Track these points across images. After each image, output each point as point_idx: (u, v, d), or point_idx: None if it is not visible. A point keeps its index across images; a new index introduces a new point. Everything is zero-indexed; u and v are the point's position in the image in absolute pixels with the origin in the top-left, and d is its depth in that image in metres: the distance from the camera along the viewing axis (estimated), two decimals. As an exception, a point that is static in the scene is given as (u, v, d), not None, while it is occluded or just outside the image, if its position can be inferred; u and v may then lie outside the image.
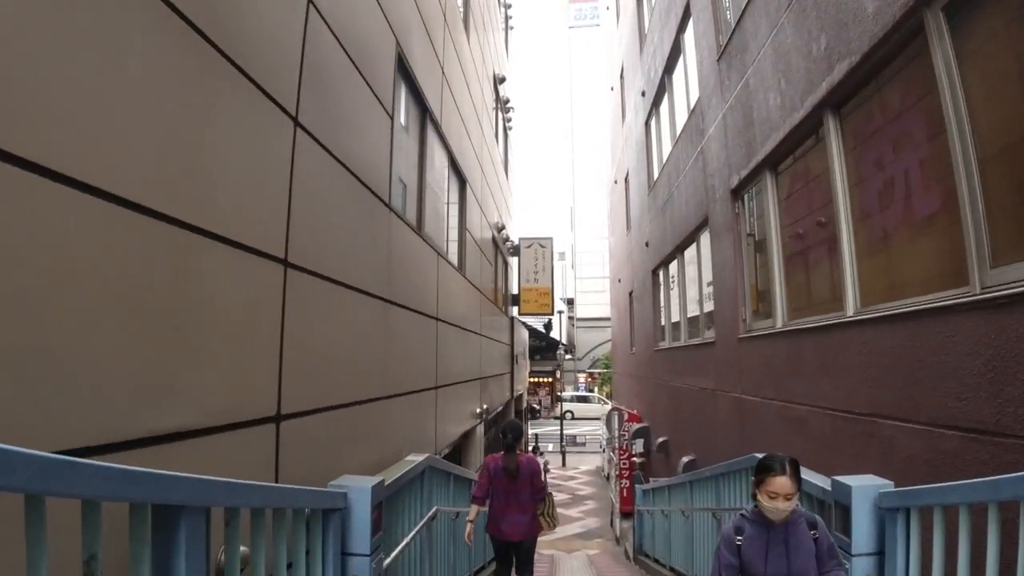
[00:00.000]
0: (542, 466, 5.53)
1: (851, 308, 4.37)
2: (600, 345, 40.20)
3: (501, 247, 13.09)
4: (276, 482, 2.56)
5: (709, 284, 8.58)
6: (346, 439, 3.39)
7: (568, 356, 38.91)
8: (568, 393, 34.88)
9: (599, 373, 39.71)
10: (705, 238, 8.49)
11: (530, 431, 24.34)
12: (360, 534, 2.64)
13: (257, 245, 2.46)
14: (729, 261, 7.11)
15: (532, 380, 38.58)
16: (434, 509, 4.16)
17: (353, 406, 3.51)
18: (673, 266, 10.87)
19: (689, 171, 9.07)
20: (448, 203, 7.16)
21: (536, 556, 8.77)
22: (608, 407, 20.77)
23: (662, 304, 11.91)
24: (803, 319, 5.23)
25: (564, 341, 28.90)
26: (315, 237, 3.02)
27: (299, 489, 2.23)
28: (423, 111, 5.73)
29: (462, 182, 8.00)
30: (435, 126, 6.13)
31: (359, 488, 2.67)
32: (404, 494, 3.64)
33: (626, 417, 13.02)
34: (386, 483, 3.12)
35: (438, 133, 6.32)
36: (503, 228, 12.28)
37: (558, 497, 16.35)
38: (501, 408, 13.87)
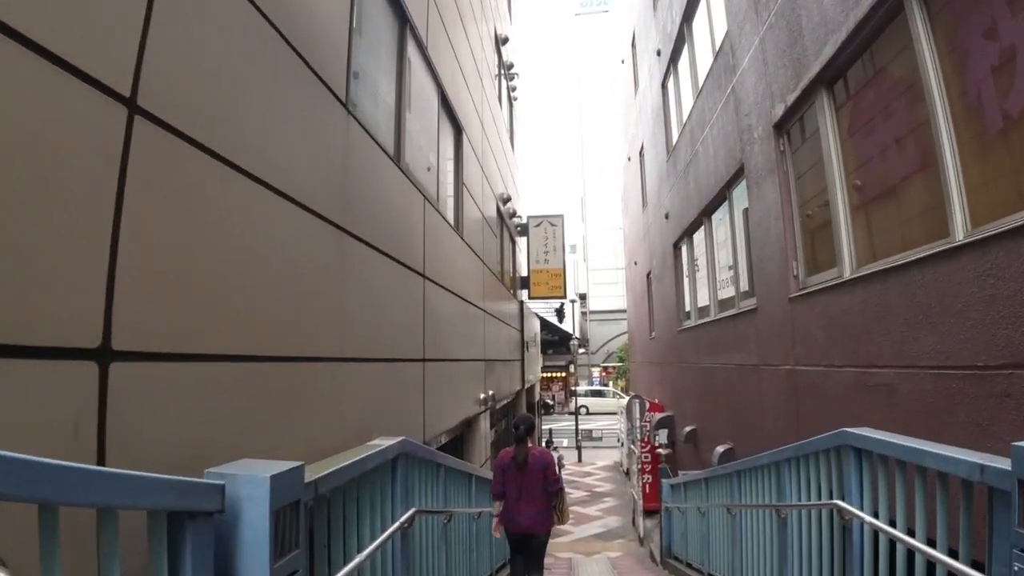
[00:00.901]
0: (556, 460, 5.31)
1: (960, 231, 3.26)
2: (615, 338, 39.05)
3: (507, 223, 12.02)
4: (101, 463, 1.50)
5: (745, 246, 7.46)
6: (263, 410, 2.33)
7: (582, 350, 37.78)
8: (583, 388, 33.75)
9: (614, 367, 38.54)
10: (739, 192, 7.37)
11: (544, 426, 23.31)
12: (252, 555, 1.58)
13: (65, 55, 1.41)
14: (773, 210, 5.99)
15: (545, 375, 37.56)
16: (411, 512, 3.09)
17: (279, 362, 2.45)
18: (698, 235, 9.74)
19: (717, 120, 7.94)
20: (440, 149, 6.09)
21: (552, 560, 7.69)
22: (624, 400, 19.63)
23: (686, 279, 10.77)
24: (882, 260, 4.11)
25: (577, 335, 27.77)
26: (196, 86, 1.95)
27: (94, 472, 1.14)
28: (402, 20, 4.66)
29: (458, 130, 6.94)
30: (418, 44, 5.06)
31: (250, 479, 1.61)
32: (363, 491, 2.57)
33: (647, 407, 11.90)
34: (322, 474, 2.06)
35: (423, 55, 5.25)
36: (509, 200, 11.21)
37: (575, 495, 15.28)
38: (511, 399, 12.81)
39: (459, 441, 7.07)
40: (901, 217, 4.07)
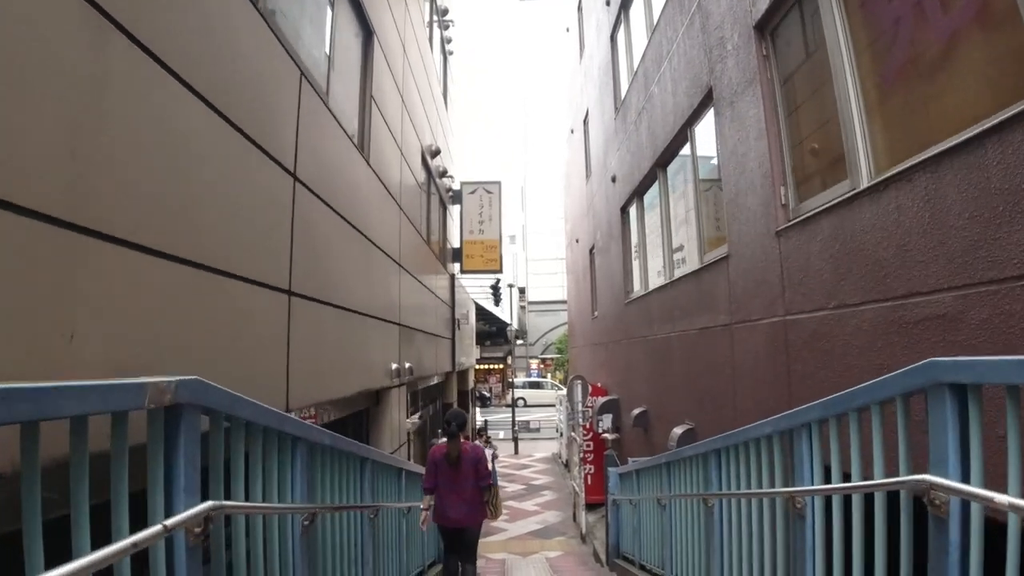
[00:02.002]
0: (489, 456, 5.48)
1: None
2: (553, 329, 38.19)
3: (436, 182, 10.60)
4: None
5: (708, 189, 6.35)
6: None
7: (520, 341, 36.70)
8: (520, 379, 32.66)
9: (552, 359, 37.67)
10: (705, 125, 6.26)
11: (480, 417, 22.03)
12: None
13: None
14: (753, 129, 4.87)
15: (482, 367, 36.30)
16: (202, 507, 1.68)
17: None
18: (651, 192, 8.62)
19: (677, 49, 6.82)
20: (337, 40, 4.65)
21: (483, 563, 6.51)
22: (563, 392, 18.56)
23: (634, 245, 9.66)
24: (922, 153, 2.98)
25: (515, 326, 26.60)
26: None
27: None
28: None
29: (367, 32, 5.50)
30: None
31: None
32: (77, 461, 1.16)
33: (590, 389, 10.76)
34: None
35: None
36: (438, 153, 9.80)
37: (510, 488, 14.01)
38: (440, 381, 11.42)
39: (362, 420, 5.66)
40: (955, 85, 2.94)
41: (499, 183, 12.83)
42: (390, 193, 6.19)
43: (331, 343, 4.05)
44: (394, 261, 6.29)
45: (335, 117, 4.24)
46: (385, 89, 6.10)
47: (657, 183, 8.08)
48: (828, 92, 3.95)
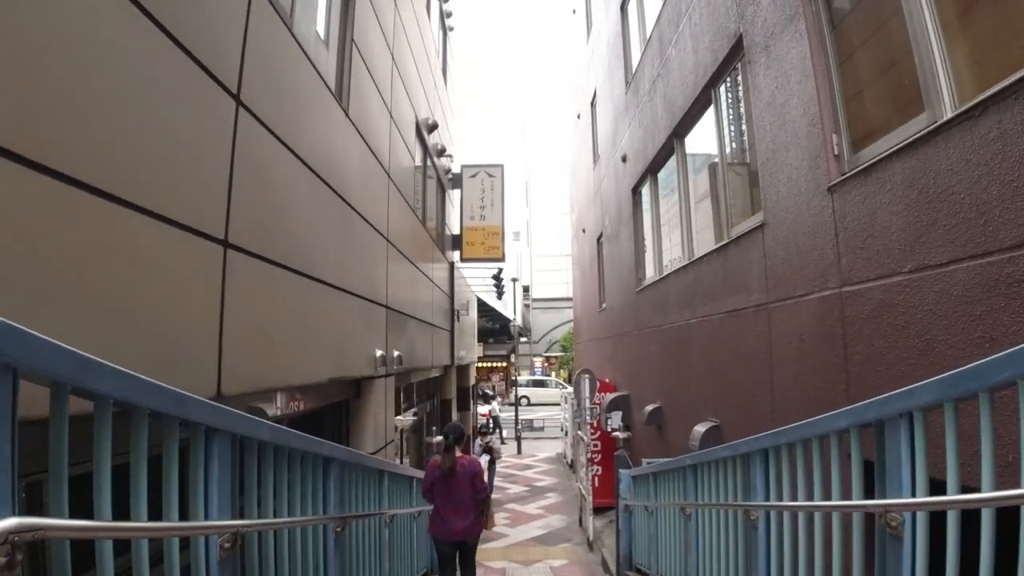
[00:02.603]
0: (484, 464, 5.98)
1: None
2: (558, 327, 37.45)
3: (434, 161, 9.89)
4: None
5: (736, 154, 5.62)
6: None
7: (523, 339, 35.97)
8: (524, 377, 31.92)
9: (556, 357, 36.91)
10: (730, 87, 5.53)
11: (482, 412, 21.31)
12: None
13: None
14: (796, 72, 4.14)
15: (485, 365, 35.58)
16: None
17: None
18: (668, 167, 7.89)
19: (698, 2, 6.09)
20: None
21: (482, 572, 6.24)
22: (567, 391, 17.80)
23: (648, 227, 8.92)
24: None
25: (518, 321, 25.85)
26: None
27: None
28: None
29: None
30: None
31: None
32: None
33: (597, 385, 10.01)
34: None
35: None
36: (435, 128, 9.07)
37: (512, 489, 13.27)
38: (438, 375, 10.71)
39: (340, 414, 4.95)
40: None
41: (501, 166, 12.09)
42: (376, 158, 5.47)
43: (291, 317, 3.33)
44: (381, 236, 5.57)
45: (300, 45, 3.52)
46: (371, 38, 5.37)
47: (674, 156, 7.34)
48: (891, 9, 3.22)
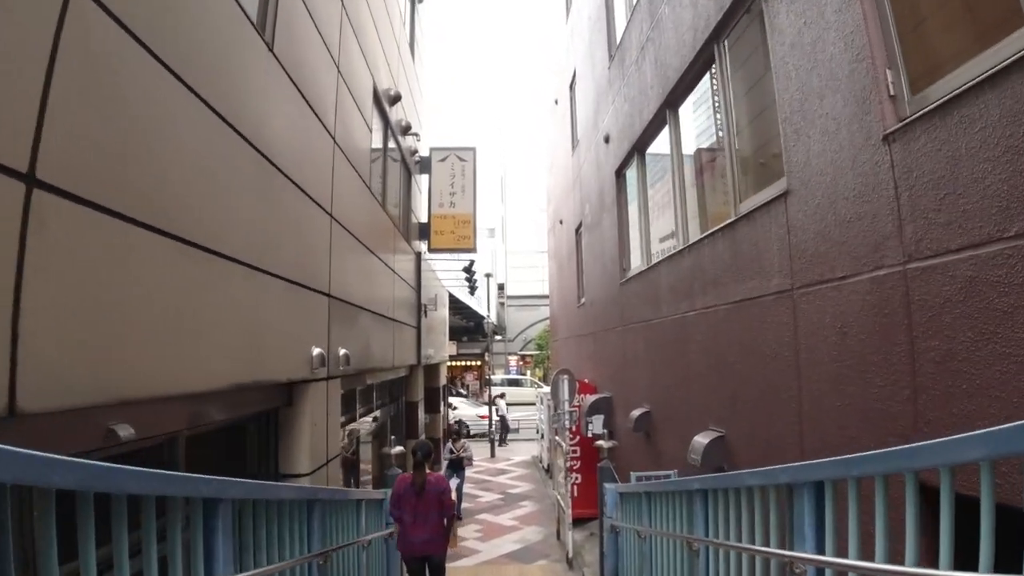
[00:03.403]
0: (452, 487, 5.85)
1: None
2: (533, 325, 36.62)
3: (398, 140, 8.92)
4: None
5: (747, 114, 4.79)
6: None
7: (498, 337, 35.05)
8: (499, 377, 31.01)
9: (532, 355, 36.09)
10: (736, 38, 4.69)
11: (452, 416, 20.38)
12: None
13: None
14: (833, 1, 3.29)
15: (459, 364, 34.58)
16: None
17: None
18: (657, 141, 7.05)
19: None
20: None
21: None
22: (543, 390, 16.94)
23: (634, 212, 8.08)
24: None
25: (492, 318, 24.88)
26: None
27: None
28: None
29: None
30: None
31: None
32: None
33: (577, 386, 9.14)
34: None
35: None
36: (398, 100, 8.09)
37: (485, 498, 12.28)
38: (403, 376, 9.75)
39: (267, 425, 3.99)
40: None
41: (473, 149, 11.16)
42: (318, 116, 4.51)
43: (165, 301, 2.38)
44: (323, 211, 4.61)
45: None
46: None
47: (667, 128, 6.49)
48: None
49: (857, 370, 3.11)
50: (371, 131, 6.68)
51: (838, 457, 2.20)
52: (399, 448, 6.31)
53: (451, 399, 20.96)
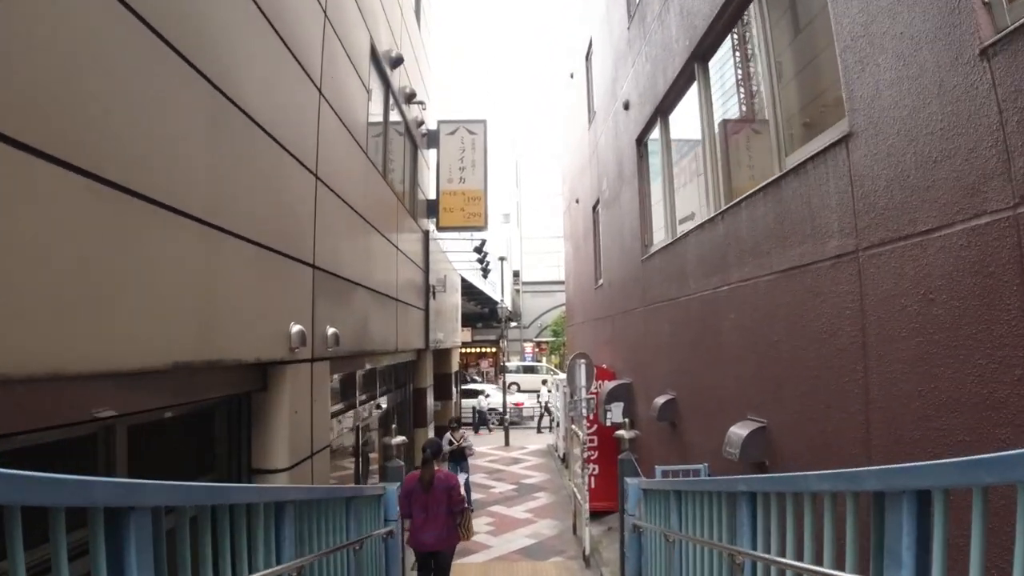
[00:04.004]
0: (461, 483, 5.65)
1: None
2: (548, 311, 36.02)
3: (402, 108, 8.33)
4: None
5: (798, 47, 4.14)
6: None
7: (513, 324, 34.52)
8: (513, 364, 30.54)
9: (547, 342, 35.53)
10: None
11: (469, 404, 19.95)
12: None
13: None
14: None
15: (474, 350, 34.15)
16: None
17: None
18: (685, 102, 6.40)
19: None
20: None
21: None
22: (558, 377, 16.36)
23: (657, 183, 7.43)
24: None
25: (506, 303, 24.30)
26: None
27: None
28: None
29: None
30: None
31: None
32: None
33: (595, 371, 8.54)
34: None
35: None
36: (400, 63, 7.49)
37: (498, 488, 11.77)
38: (410, 360, 9.25)
39: (237, 413, 3.47)
40: None
41: (484, 122, 10.53)
42: (299, 62, 3.94)
43: (70, 251, 1.83)
44: (304, 168, 4.05)
45: None
46: None
47: (695, 84, 5.83)
48: None
49: (948, 346, 2.49)
50: (368, 93, 6.10)
51: (957, 459, 1.59)
52: (401, 438, 5.79)
53: (483, 386, 20.43)
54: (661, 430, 6.67)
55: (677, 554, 3.95)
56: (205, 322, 2.68)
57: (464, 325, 29.49)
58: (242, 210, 3.07)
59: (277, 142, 3.57)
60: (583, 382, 7.73)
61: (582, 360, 7.76)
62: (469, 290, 21.66)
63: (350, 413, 6.24)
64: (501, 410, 19.52)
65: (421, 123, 9.45)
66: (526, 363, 32.97)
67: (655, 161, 7.46)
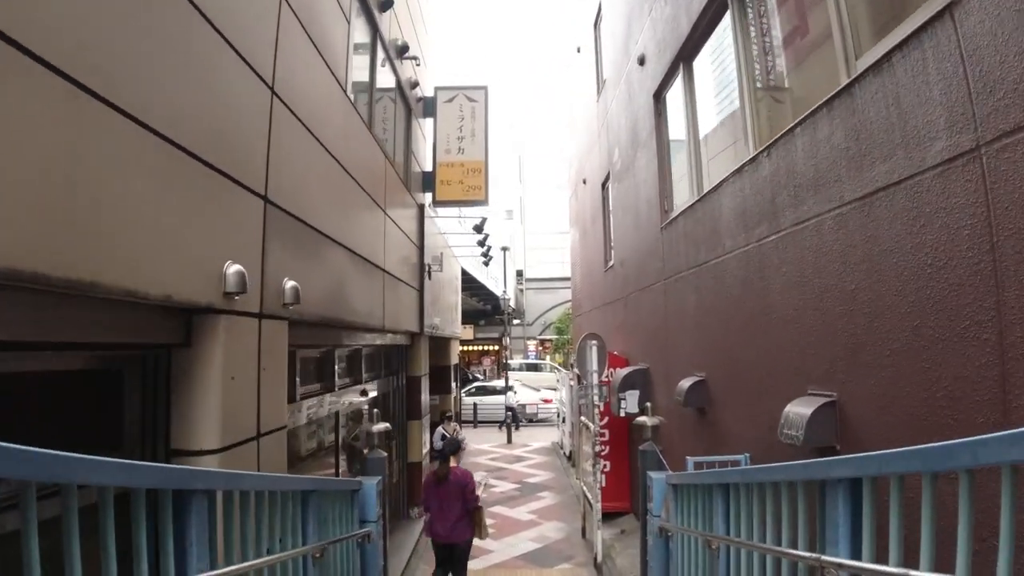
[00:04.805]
0: (478, 480, 6.33)
1: None
2: (553, 308, 35.17)
3: (394, 64, 7.51)
4: None
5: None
6: None
7: (517, 321, 33.66)
8: (516, 361, 29.69)
9: (551, 340, 34.67)
10: None
11: (468, 400, 19.14)
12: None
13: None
14: None
15: (476, 348, 33.34)
16: None
17: None
18: (713, 40, 5.55)
19: None
20: None
21: None
22: (562, 374, 15.53)
23: (680, 139, 6.58)
24: None
25: (509, 296, 23.35)
26: None
27: None
28: None
29: None
30: None
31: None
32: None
33: (607, 356, 7.67)
34: None
35: None
36: (389, 5, 6.65)
37: (500, 488, 10.71)
38: (404, 344, 8.43)
39: (153, 374, 2.64)
40: None
41: (485, 88, 9.68)
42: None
43: None
44: (255, 73, 3.21)
45: None
46: None
47: (729, 12, 4.97)
48: None
49: None
50: (349, 22, 5.27)
51: None
52: (384, 424, 4.94)
53: (512, 381, 19.87)
54: (686, 418, 5.81)
55: (724, 564, 3.09)
56: (69, 223, 1.84)
57: (466, 322, 28.69)
58: (148, 89, 2.24)
59: (216, 29, 2.74)
60: (595, 366, 6.87)
61: (593, 341, 6.90)
62: (471, 284, 20.85)
63: (327, 397, 5.40)
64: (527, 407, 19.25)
65: (415, 84, 8.61)
66: (529, 361, 32.10)
67: (676, 114, 6.61)
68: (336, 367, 5.67)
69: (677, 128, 6.71)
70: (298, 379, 4.59)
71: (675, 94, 6.65)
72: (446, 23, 20.85)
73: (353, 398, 6.33)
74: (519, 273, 36.00)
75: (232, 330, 2.90)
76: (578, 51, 13.71)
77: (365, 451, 4.79)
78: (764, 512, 2.60)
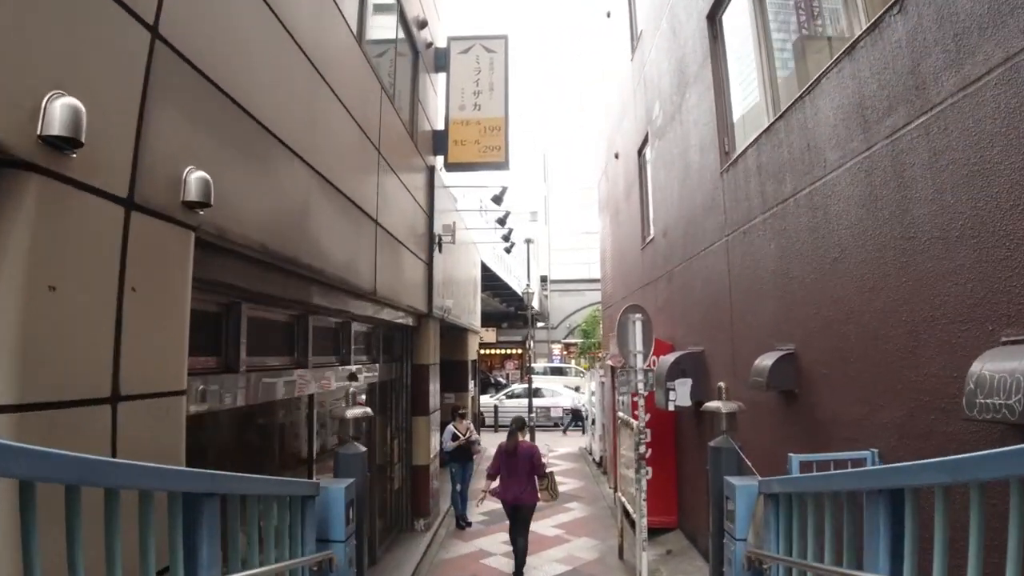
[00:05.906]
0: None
1: None
2: (578, 311, 33.75)
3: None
4: None
5: None
6: None
7: (541, 324, 32.26)
8: (540, 365, 28.33)
9: (576, 344, 33.23)
10: None
11: (487, 400, 17.92)
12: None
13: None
14: None
15: (499, 352, 32.07)
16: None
17: None
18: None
19: None
20: None
21: None
22: (587, 377, 13.99)
23: (747, 59, 5.26)
24: None
25: (530, 287, 21.97)
26: None
27: None
28: None
29: None
30: None
31: None
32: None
33: (653, 335, 6.31)
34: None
35: None
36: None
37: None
38: (409, 327, 7.23)
39: None
40: None
41: (505, 37, 8.45)
42: None
43: None
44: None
45: None
46: None
47: None
48: None
49: None
50: None
51: None
52: (361, 409, 3.71)
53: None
54: (762, 407, 4.45)
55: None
56: None
57: (488, 324, 27.42)
58: None
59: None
60: (639, 347, 5.53)
61: (637, 314, 5.56)
62: (492, 283, 19.64)
63: (294, 373, 4.17)
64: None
65: (424, 23, 7.42)
66: (554, 365, 30.72)
67: (737, 27, 5.30)
68: (311, 337, 4.45)
69: (735, 53, 5.43)
70: (243, 340, 3.37)
71: (734, 9, 5.35)
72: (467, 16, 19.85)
73: (339, 381, 5.10)
74: (543, 279, 34.65)
75: (57, 206, 1.69)
76: (608, 15, 12.47)
77: (335, 445, 3.55)
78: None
